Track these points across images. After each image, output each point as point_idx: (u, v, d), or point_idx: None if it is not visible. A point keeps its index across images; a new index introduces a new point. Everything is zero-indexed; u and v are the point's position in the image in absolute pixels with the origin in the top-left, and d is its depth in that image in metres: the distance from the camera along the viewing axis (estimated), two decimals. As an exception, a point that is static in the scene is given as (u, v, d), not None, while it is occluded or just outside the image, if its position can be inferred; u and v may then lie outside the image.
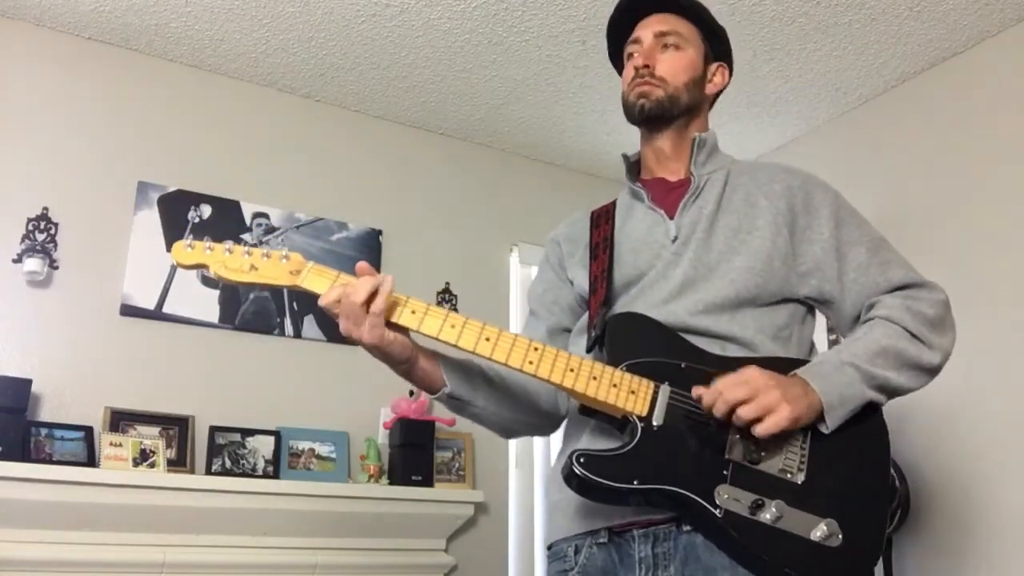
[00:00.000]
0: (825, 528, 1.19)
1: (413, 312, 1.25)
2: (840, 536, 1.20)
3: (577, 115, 3.50)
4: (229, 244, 1.24)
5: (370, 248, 3.33)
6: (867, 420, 1.28)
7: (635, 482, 1.18)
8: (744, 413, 1.17)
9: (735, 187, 1.44)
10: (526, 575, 3.37)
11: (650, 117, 1.46)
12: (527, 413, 1.45)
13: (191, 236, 1.26)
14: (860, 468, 1.27)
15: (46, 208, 2.83)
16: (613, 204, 1.54)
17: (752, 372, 1.21)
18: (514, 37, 3.00)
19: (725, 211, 1.41)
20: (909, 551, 2.81)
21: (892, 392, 1.30)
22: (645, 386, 1.24)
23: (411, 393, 3.13)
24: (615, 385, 1.23)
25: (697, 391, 1.22)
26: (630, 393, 1.23)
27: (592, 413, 1.27)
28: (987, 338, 2.68)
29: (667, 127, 1.48)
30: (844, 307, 1.39)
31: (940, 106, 3.07)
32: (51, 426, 2.59)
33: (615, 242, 1.45)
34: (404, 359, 1.28)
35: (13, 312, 2.72)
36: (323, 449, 3.00)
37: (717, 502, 1.18)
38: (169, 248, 2.94)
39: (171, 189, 3.03)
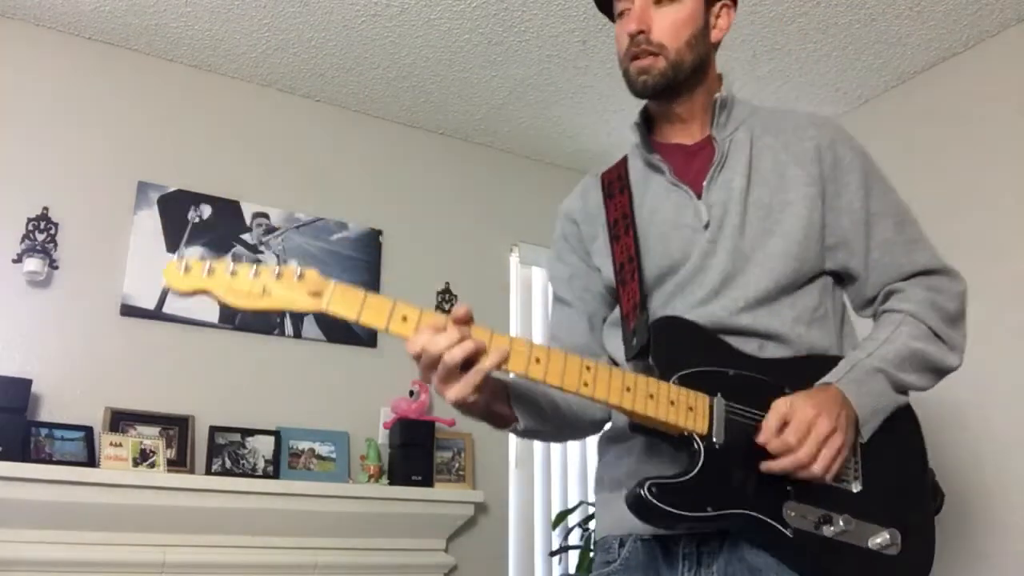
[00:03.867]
0: (887, 536, 1.17)
1: None
2: (899, 545, 1.18)
3: (577, 115, 3.50)
4: (230, 264, 1.01)
5: (370, 248, 3.33)
6: (901, 418, 1.26)
7: (708, 509, 1.12)
8: (816, 468, 1.13)
9: (761, 150, 1.33)
10: (526, 575, 3.37)
11: (656, 92, 1.34)
12: (583, 425, 1.40)
13: (184, 249, 1.06)
14: (904, 469, 1.25)
15: (46, 208, 2.83)
16: (624, 166, 1.41)
17: (801, 411, 1.14)
18: (514, 37, 3.00)
19: (755, 184, 1.30)
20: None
21: (908, 391, 1.28)
22: (701, 401, 1.16)
23: (411, 393, 3.13)
24: (672, 403, 1.14)
25: (762, 438, 1.15)
26: (688, 410, 1.15)
27: (643, 430, 1.20)
28: (986, 338, 2.67)
29: (677, 95, 1.35)
30: (865, 287, 1.34)
31: (940, 106, 3.07)
32: (51, 426, 2.59)
33: (636, 221, 1.33)
34: (481, 410, 1.18)
35: (13, 312, 2.72)
36: (323, 449, 3.00)
37: (787, 521, 1.14)
38: (170, 248, 2.94)
39: (171, 189, 3.02)
